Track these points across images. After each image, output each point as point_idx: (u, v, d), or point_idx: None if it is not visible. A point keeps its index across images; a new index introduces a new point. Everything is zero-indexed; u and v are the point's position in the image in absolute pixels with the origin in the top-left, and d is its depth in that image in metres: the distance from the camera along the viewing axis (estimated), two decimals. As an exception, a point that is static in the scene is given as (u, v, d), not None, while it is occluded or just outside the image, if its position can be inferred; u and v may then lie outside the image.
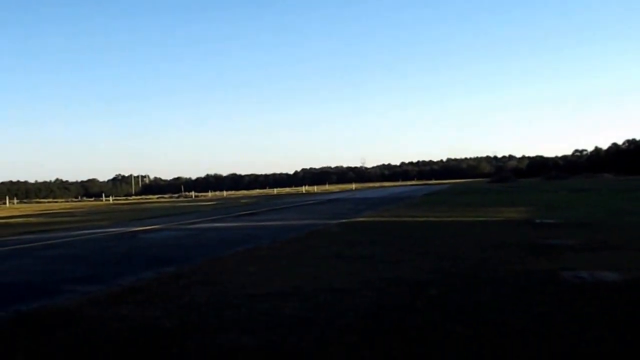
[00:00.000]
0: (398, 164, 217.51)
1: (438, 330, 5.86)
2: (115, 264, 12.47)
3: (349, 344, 5.55)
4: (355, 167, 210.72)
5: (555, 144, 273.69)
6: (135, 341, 5.92)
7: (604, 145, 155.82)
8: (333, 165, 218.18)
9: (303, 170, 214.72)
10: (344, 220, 21.11)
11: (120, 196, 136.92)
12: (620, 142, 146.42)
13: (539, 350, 5.23)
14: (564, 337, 5.51)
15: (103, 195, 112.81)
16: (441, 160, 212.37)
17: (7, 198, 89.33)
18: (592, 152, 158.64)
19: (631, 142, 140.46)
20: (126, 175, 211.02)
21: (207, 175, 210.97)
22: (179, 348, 5.66)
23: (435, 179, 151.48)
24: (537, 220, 17.66)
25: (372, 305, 7.01)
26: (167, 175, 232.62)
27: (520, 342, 5.43)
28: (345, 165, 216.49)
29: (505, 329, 5.81)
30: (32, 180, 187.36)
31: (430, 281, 8.36)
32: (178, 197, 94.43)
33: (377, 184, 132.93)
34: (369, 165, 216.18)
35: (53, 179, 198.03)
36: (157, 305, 7.46)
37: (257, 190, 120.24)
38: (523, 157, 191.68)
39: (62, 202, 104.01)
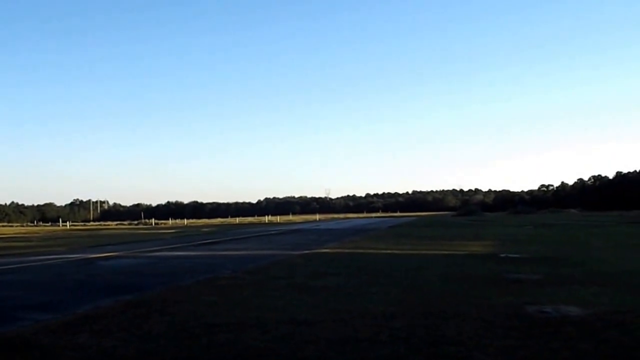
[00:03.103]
0: (363, 195, 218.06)
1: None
2: (71, 291, 12.16)
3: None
4: (320, 198, 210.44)
5: (521, 179, 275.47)
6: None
7: (570, 180, 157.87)
8: (297, 195, 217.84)
9: (266, 199, 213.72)
10: (307, 251, 20.96)
11: (78, 222, 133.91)
12: (586, 178, 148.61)
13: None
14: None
15: (60, 220, 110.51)
16: (407, 193, 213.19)
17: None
18: (558, 188, 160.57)
19: (597, 179, 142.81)
20: (84, 200, 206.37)
21: (168, 202, 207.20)
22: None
23: (401, 212, 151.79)
24: (502, 255, 17.71)
25: (335, 338, 6.87)
26: (127, 201, 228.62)
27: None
28: (309, 195, 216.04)
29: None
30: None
31: (394, 314, 8.26)
32: (137, 224, 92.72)
33: (341, 215, 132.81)
34: (333, 196, 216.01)
35: (8, 202, 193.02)
36: (115, 335, 7.25)
37: (219, 219, 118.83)
38: (489, 191, 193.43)
39: (17, 226, 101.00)
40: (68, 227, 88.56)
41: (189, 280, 12.96)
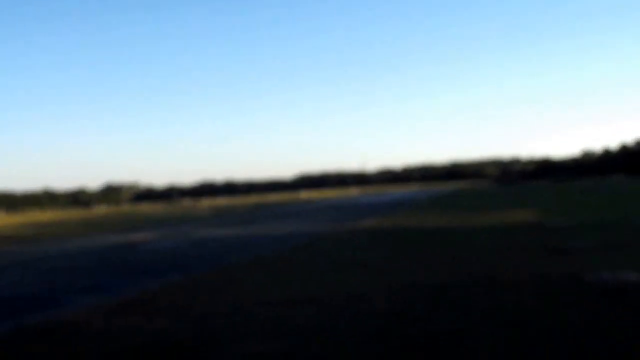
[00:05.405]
0: (399, 166, 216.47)
1: (465, 334, 5.63)
2: (117, 274, 12.20)
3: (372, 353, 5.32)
4: (356, 171, 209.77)
5: (562, 145, 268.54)
6: (150, 353, 5.68)
7: (613, 145, 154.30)
8: (332, 170, 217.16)
9: (301, 175, 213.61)
10: (348, 227, 20.83)
11: (111, 205, 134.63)
12: (629, 142, 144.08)
13: (568, 352, 5.02)
14: (593, 340, 5.28)
15: (94, 204, 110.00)
16: (445, 164, 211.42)
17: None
18: (601, 154, 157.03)
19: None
20: (117, 183, 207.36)
21: (201, 182, 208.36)
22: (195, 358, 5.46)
23: (440, 182, 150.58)
24: (550, 223, 17.34)
25: (389, 312, 6.74)
26: (160, 182, 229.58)
27: (548, 344, 5.20)
28: (345, 169, 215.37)
29: (532, 333, 5.57)
30: (18, 190, 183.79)
31: (449, 285, 8.12)
32: (172, 206, 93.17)
33: (379, 188, 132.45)
34: (369, 169, 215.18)
35: (40, 189, 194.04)
36: (167, 316, 7.20)
37: (255, 197, 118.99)
38: (530, 160, 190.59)
39: (51, 212, 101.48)
40: (102, 211, 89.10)
41: (235, 259, 12.92)
